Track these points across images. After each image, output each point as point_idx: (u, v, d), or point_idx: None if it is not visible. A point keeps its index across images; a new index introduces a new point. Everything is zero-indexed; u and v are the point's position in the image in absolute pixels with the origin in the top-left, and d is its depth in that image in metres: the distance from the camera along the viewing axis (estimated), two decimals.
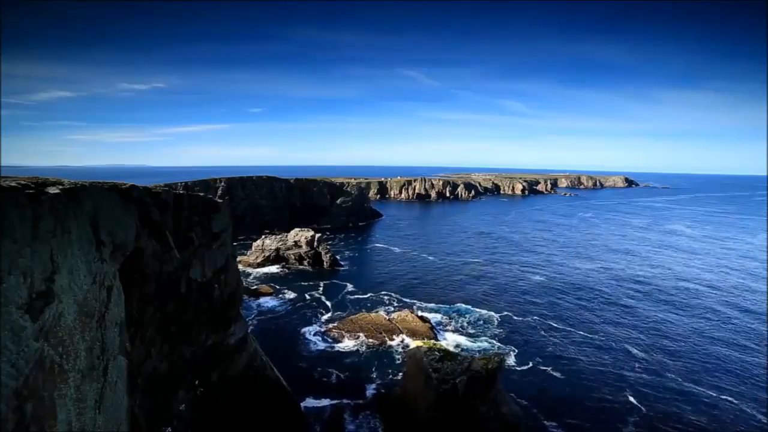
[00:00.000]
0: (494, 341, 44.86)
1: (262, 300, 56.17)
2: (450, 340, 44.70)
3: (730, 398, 34.94)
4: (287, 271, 71.97)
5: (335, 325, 47.68)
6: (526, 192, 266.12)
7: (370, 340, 44.01)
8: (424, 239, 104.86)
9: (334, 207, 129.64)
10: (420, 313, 50.58)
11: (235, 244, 34.07)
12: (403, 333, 45.08)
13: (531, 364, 39.93)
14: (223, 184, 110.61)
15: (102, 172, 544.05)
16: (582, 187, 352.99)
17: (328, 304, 55.92)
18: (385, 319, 48.44)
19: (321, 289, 62.09)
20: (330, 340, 44.29)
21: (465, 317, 51.71)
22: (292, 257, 75.15)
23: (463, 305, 55.77)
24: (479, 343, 44.33)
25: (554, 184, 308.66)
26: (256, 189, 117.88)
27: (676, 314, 54.52)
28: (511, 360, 40.31)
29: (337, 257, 78.28)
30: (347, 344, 43.32)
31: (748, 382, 37.78)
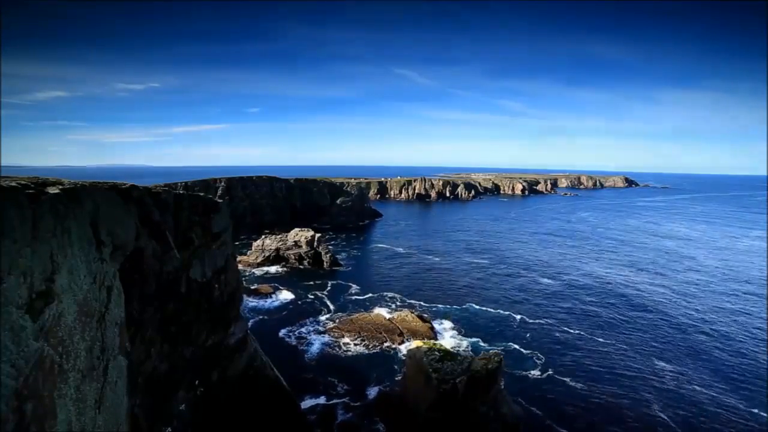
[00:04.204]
0: (495, 341, 44.81)
1: (262, 300, 56.12)
2: (450, 340, 44.69)
3: (740, 405, 34.49)
4: (287, 271, 71.94)
5: (335, 325, 47.66)
6: (526, 192, 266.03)
7: (370, 340, 44.00)
8: (424, 239, 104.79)
9: (334, 207, 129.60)
10: (420, 313, 50.57)
11: (235, 244, 34.04)
12: (403, 333, 45.06)
13: (535, 366, 39.88)
14: (223, 184, 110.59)
15: (102, 172, 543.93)
16: (582, 187, 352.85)
17: (328, 304, 55.90)
18: (385, 319, 48.43)
19: (321, 289, 62.04)
20: (330, 340, 44.27)
21: (465, 317, 51.66)
22: (292, 257, 75.14)
23: (464, 305, 55.73)
24: (479, 343, 44.31)
25: (554, 184, 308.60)
26: (256, 189, 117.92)
27: (680, 315, 54.46)
28: (513, 361, 40.21)
29: (337, 257, 78.23)
30: (347, 344, 43.30)
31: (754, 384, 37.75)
